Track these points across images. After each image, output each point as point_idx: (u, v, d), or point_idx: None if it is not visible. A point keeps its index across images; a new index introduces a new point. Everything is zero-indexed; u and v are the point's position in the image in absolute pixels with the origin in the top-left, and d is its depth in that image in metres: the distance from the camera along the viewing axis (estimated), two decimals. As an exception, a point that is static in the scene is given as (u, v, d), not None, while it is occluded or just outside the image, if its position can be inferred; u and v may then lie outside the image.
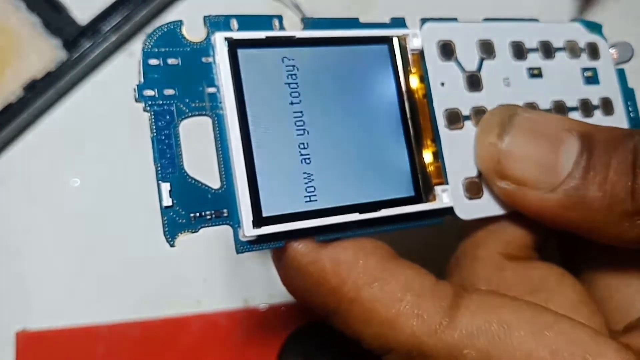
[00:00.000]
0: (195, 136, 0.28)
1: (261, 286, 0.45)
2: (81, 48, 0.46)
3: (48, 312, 0.44)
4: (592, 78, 0.35)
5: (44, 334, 0.43)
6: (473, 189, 0.30)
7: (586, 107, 0.34)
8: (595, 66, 0.35)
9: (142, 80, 0.26)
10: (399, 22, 0.31)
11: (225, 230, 0.29)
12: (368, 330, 0.27)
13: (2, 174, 0.45)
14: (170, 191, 0.26)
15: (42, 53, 0.45)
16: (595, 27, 0.36)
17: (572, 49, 0.34)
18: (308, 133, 0.27)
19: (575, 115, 0.34)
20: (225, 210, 0.26)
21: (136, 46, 0.48)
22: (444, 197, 0.30)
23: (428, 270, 0.28)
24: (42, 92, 0.45)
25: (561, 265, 0.32)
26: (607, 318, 0.32)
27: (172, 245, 0.26)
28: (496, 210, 0.31)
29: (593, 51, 0.35)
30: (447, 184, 0.30)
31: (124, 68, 0.47)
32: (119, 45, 0.47)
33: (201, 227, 0.26)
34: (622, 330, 0.31)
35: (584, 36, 0.35)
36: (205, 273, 0.46)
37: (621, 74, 0.36)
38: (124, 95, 0.43)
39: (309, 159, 0.27)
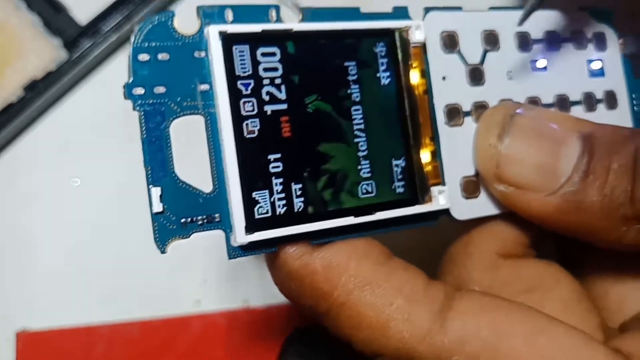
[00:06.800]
0: (187, 135, 0.27)
1: (261, 286, 0.45)
2: (81, 48, 0.45)
3: (48, 312, 0.44)
4: (597, 70, 0.34)
5: (44, 334, 0.43)
6: (470, 188, 0.30)
7: (589, 101, 0.34)
8: (601, 57, 0.34)
9: (130, 77, 0.25)
10: (401, 12, 0.30)
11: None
12: (359, 334, 0.27)
13: (2, 174, 0.45)
14: (160, 196, 0.25)
15: (42, 53, 0.45)
16: (604, 16, 0.35)
17: (579, 40, 0.34)
18: None
19: (578, 109, 0.33)
20: (217, 215, 0.26)
21: (136, 46, 0.48)
22: (440, 199, 0.29)
23: (425, 266, 0.28)
24: (42, 92, 0.44)
25: (558, 262, 0.32)
26: (604, 315, 0.32)
27: (162, 252, 0.26)
28: (493, 210, 0.31)
29: (600, 42, 0.34)
30: (444, 184, 0.30)
31: (124, 68, 0.47)
32: (119, 45, 0.47)
33: (192, 233, 0.26)
34: (617, 328, 0.31)
35: (592, 26, 0.35)
36: (205, 273, 0.45)
37: (628, 65, 0.35)
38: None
39: None
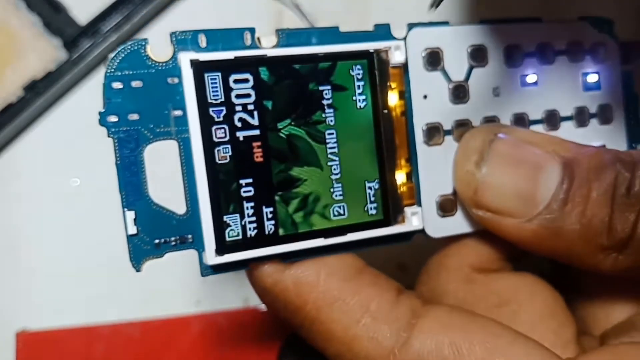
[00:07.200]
0: (163, 157, 0.27)
1: (261, 286, 0.45)
2: (81, 48, 0.45)
3: (48, 312, 0.44)
4: (593, 83, 0.33)
5: (44, 334, 0.43)
6: (447, 207, 0.30)
7: (581, 117, 0.33)
8: (598, 70, 0.33)
9: (104, 106, 0.25)
10: (383, 30, 0.29)
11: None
12: (329, 348, 0.28)
13: (2, 174, 0.45)
14: (135, 219, 0.26)
15: (42, 53, 0.45)
16: (604, 24, 0.33)
17: (575, 52, 0.33)
18: None
19: (569, 125, 0.32)
20: (190, 236, 0.26)
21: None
22: (413, 220, 0.29)
23: (408, 269, 0.28)
24: (42, 92, 0.45)
25: (550, 270, 0.33)
26: (589, 321, 0.32)
27: (138, 270, 0.27)
28: (469, 228, 0.31)
29: (599, 53, 0.33)
30: (420, 205, 0.29)
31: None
32: (118, 46, 0.47)
33: (166, 253, 0.26)
34: (598, 336, 0.32)
35: (591, 36, 0.33)
36: (205, 273, 0.45)
37: (628, 77, 0.34)
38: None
39: None
